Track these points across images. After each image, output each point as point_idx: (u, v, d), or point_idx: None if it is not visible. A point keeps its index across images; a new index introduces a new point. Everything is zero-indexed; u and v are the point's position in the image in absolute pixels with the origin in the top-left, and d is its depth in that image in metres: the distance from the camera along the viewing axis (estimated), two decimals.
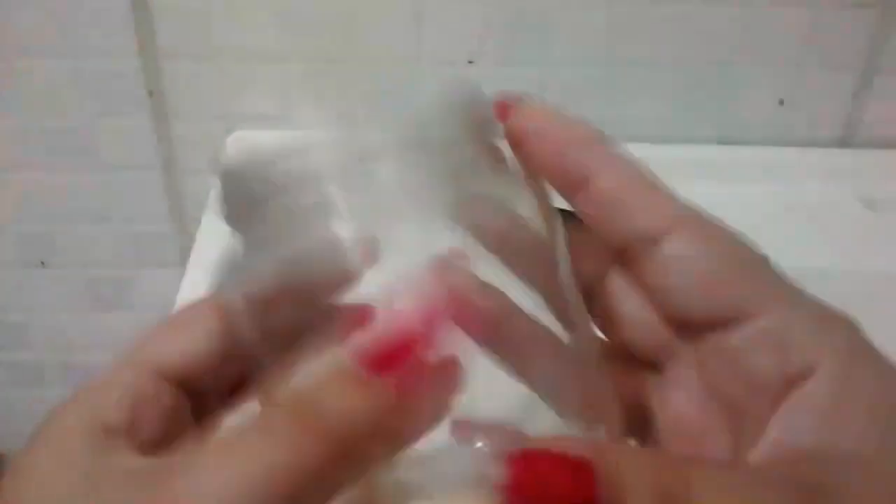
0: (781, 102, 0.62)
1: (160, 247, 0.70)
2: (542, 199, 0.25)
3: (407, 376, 0.19)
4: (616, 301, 0.24)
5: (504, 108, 0.24)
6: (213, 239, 0.53)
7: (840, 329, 0.21)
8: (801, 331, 0.21)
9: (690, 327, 0.22)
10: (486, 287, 0.25)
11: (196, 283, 0.49)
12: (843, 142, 0.64)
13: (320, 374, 0.19)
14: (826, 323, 0.21)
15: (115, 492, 0.19)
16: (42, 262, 0.72)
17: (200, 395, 0.24)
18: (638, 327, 0.24)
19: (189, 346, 0.24)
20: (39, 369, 0.78)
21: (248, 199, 0.24)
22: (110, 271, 0.72)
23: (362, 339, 0.19)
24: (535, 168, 0.24)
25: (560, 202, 0.24)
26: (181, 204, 0.68)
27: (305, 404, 0.19)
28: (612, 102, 0.62)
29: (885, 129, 0.63)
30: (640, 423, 0.24)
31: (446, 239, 0.25)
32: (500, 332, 0.25)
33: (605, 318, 0.25)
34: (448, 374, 0.21)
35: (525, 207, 0.25)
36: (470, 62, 0.60)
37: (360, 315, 0.21)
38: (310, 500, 0.19)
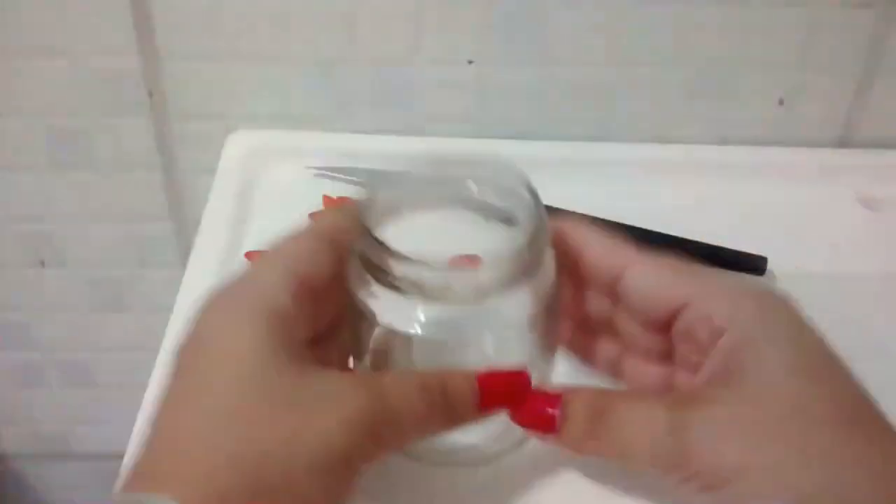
0: (781, 102, 0.62)
1: (160, 247, 0.70)
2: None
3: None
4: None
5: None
6: (213, 239, 0.53)
7: (749, 298, 0.33)
8: (719, 305, 0.32)
9: (657, 324, 0.35)
10: None
11: (196, 283, 0.49)
12: (843, 142, 0.64)
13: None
14: (737, 296, 0.33)
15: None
16: (42, 262, 0.72)
17: None
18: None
19: (314, 267, 0.31)
20: (39, 369, 0.78)
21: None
22: (110, 271, 0.72)
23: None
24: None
25: None
26: (181, 204, 0.68)
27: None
28: (612, 102, 0.62)
29: (885, 129, 0.63)
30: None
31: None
32: None
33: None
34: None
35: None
36: (470, 62, 0.60)
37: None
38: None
